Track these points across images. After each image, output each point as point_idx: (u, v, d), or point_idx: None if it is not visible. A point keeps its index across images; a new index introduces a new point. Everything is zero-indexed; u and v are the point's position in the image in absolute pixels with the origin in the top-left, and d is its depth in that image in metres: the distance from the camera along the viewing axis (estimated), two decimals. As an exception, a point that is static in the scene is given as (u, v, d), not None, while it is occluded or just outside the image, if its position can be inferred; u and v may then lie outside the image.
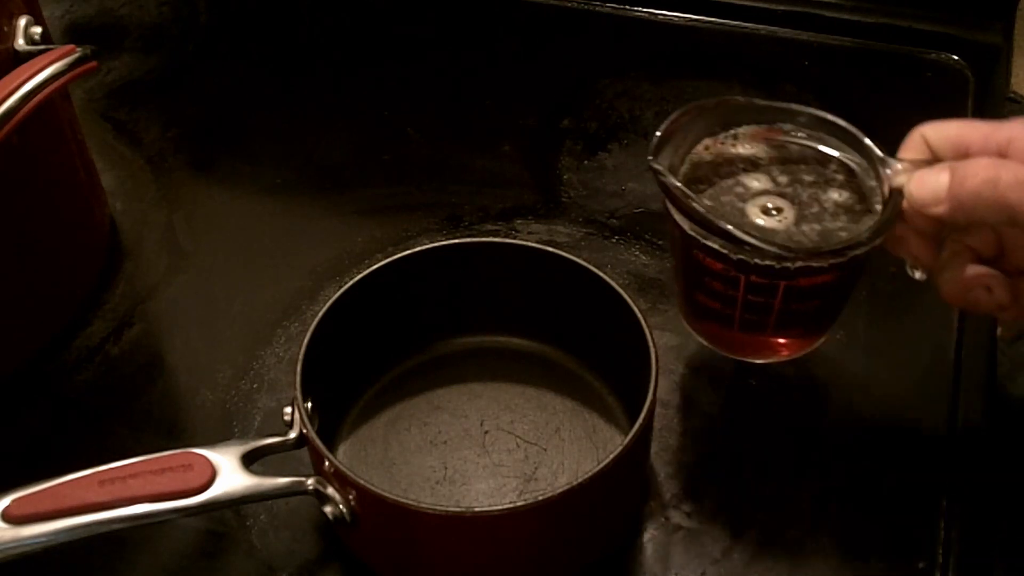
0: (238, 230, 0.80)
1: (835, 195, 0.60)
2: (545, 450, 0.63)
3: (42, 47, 0.64)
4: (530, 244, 0.66)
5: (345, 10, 0.94)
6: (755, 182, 0.60)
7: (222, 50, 0.93)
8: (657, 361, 0.59)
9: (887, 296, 0.72)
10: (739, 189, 0.60)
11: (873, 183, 0.59)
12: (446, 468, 0.63)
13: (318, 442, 0.57)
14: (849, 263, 0.58)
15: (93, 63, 0.64)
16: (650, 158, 0.58)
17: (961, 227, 0.57)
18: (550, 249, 0.64)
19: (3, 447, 0.67)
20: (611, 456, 0.55)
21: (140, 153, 0.84)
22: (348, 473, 0.56)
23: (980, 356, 0.68)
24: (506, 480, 0.62)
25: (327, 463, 0.56)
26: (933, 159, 0.57)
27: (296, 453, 0.59)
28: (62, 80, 0.62)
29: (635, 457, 0.58)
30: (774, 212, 0.59)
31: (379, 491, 0.55)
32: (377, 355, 0.66)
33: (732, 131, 0.62)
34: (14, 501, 0.54)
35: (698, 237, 0.58)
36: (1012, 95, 0.85)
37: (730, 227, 0.56)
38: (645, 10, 0.92)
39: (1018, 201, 0.52)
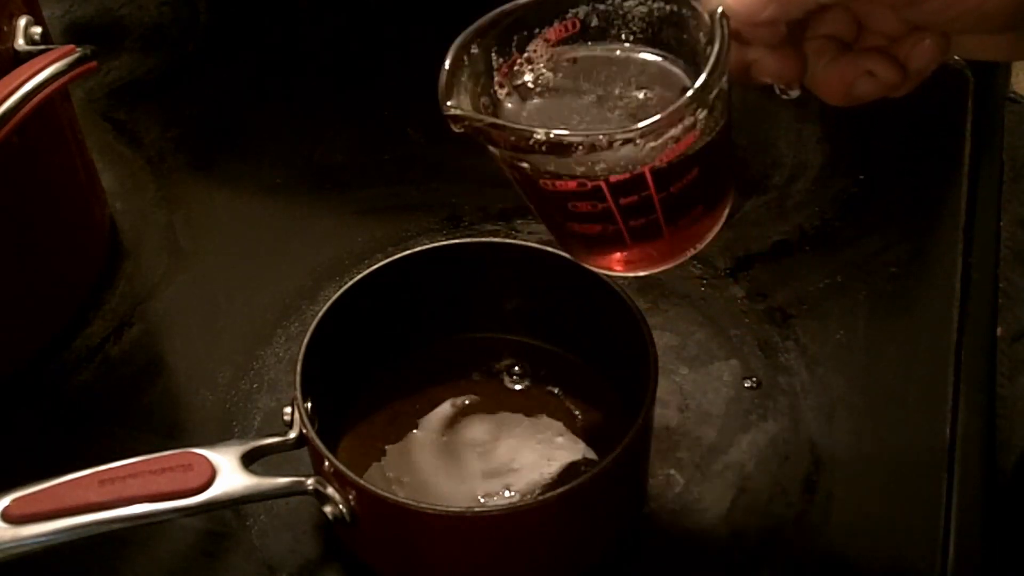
0: (238, 230, 0.80)
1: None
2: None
3: (42, 47, 0.64)
4: (530, 244, 0.66)
5: (345, 10, 0.94)
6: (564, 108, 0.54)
7: (222, 50, 0.93)
8: (657, 361, 0.59)
9: (887, 296, 0.72)
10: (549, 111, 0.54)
11: (693, 32, 0.52)
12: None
13: (318, 442, 0.57)
14: (709, 113, 0.50)
15: (93, 63, 0.63)
16: (448, 104, 0.53)
17: (803, 20, 0.50)
18: (550, 249, 0.64)
19: (3, 447, 0.67)
20: (611, 456, 0.55)
21: (140, 153, 0.84)
22: (348, 473, 0.56)
23: (980, 356, 0.68)
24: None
25: (327, 463, 0.56)
26: None
27: (296, 453, 0.59)
28: (62, 80, 0.62)
29: (634, 457, 0.58)
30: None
31: (379, 491, 0.55)
32: (377, 355, 0.66)
33: (525, 49, 0.55)
34: (14, 501, 0.54)
35: (537, 166, 0.51)
36: (1012, 95, 0.85)
37: (556, 132, 0.49)
38: (645, 10, 0.92)
39: None
